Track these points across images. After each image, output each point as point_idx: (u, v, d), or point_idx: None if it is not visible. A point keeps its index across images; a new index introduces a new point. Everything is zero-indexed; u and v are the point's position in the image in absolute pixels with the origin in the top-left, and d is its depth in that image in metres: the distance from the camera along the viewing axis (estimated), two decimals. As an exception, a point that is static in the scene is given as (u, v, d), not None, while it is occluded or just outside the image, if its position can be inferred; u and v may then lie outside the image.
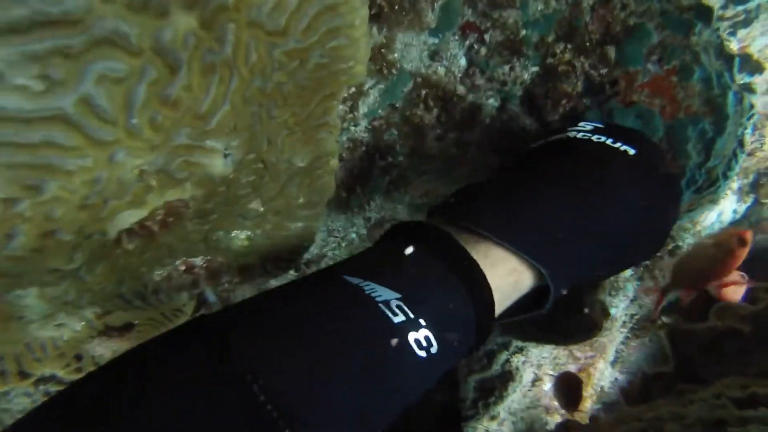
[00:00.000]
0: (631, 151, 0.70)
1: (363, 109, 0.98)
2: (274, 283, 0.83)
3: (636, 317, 1.91)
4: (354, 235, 1.32)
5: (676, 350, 1.48)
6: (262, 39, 0.44)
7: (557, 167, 0.69)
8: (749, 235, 1.32)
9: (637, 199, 0.67)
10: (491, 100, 1.16)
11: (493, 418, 1.82)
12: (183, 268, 0.71)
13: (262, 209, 0.62)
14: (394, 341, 0.47)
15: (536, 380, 1.93)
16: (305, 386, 0.42)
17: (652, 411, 1.32)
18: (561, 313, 1.55)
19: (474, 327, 0.54)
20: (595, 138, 0.74)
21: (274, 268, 0.74)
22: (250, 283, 0.76)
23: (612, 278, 1.70)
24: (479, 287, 0.54)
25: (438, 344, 0.49)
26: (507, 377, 1.77)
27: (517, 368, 1.78)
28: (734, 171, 1.23)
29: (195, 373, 0.40)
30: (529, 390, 1.94)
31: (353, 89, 0.87)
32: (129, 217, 0.49)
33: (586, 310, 1.53)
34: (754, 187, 1.89)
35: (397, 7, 0.71)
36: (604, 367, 1.92)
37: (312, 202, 0.65)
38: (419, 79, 1.05)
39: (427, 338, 0.49)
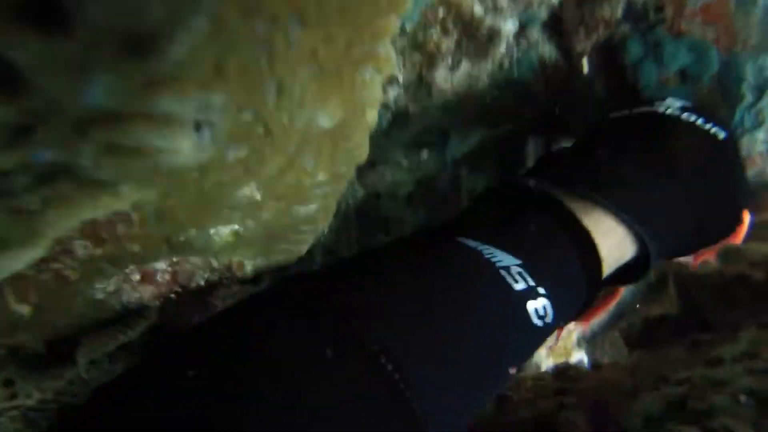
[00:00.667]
0: (722, 134, 0.65)
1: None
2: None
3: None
4: (342, 179, 1.06)
5: (684, 294, 1.27)
6: None
7: (656, 147, 0.62)
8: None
9: (726, 188, 0.66)
10: (509, 24, 0.88)
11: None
12: (138, 276, 0.44)
13: (258, 196, 0.35)
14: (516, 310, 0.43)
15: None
16: (430, 358, 0.38)
17: (670, 365, 1.11)
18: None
19: (583, 298, 0.52)
20: (684, 116, 0.66)
21: (270, 262, 0.48)
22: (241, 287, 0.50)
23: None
24: (592, 260, 0.51)
25: (553, 313, 0.46)
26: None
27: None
28: (777, 109, 0.99)
29: (322, 343, 0.34)
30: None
31: None
32: (10, 264, 0.22)
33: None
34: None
35: None
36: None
37: (336, 175, 0.38)
38: (435, -5, 0.77)
39: (544, 307, 0.45)
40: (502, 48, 0.89)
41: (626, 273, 0.58)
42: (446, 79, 0.85)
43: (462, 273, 0.42)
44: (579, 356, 1.92)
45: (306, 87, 0.27)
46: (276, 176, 0.35)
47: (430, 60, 0.80)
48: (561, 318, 0.47)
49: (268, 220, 0.40)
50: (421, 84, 0.85)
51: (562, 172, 0.59)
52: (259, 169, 0.32)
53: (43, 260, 0.26)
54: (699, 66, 0.84)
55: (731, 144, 0.67)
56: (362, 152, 0.38)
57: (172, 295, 0.49)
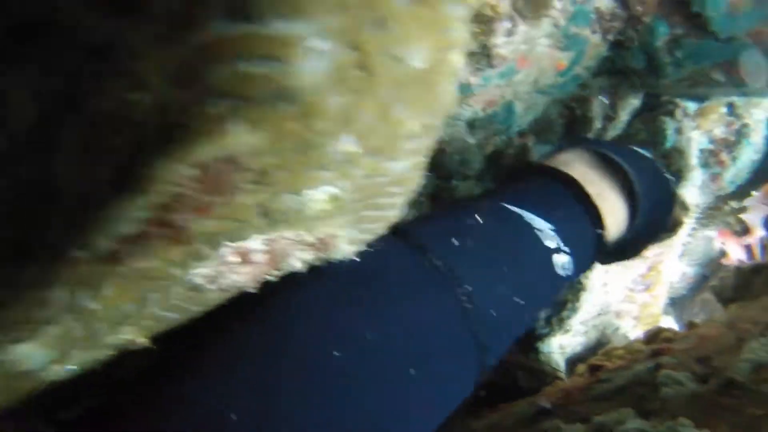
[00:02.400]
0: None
1: None
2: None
3: (701, 206, 1.66)
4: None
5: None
6: None
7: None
8: None
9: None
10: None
11: (566, 331, 1.60)
12: (235, 258, 0.45)
13: (355, 149, 0.36)
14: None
15: (605, 285, 1.70)
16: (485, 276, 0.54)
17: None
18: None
19: (592, 258, 0.73)
20: None
21: (363, 232, 0.48)
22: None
23: (682, 166, 1.44)
24: (601, 228, 0.70)
25: (573, 269, 0.64)
26: (578, 288, 1.54)
27: (586, 277, 1.54)
28: None
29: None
30: (598, 297, 1.71)
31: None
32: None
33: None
34: None
35: None
36: (671, 262, 1.68)
37: (426, 126, 0.39)
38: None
39: (567, 263, 0.62)
40: (558, 5, 0.87)
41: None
42: (505, 44, 0.84)
43: (507, 231, 0.60)
44: (667, 322, 1.86)
45: (403, 22, 0.27)
46: (372, 126, 0.35)
47: (489, 26, 0.80)
48: (578, 272, 0.66)
49: (362, 181, 0.41)
50: (482, 53, 0.84)
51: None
52: (356, 117, 0.32)
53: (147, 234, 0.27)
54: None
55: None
56: (449, 98, 0.38)
57: (268, 277, 0.49)
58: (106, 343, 0.43)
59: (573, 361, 1.70)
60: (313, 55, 0.23)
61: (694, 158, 1.53)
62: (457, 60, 0.35)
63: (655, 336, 1.37)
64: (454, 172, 1.08)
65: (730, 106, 1.46)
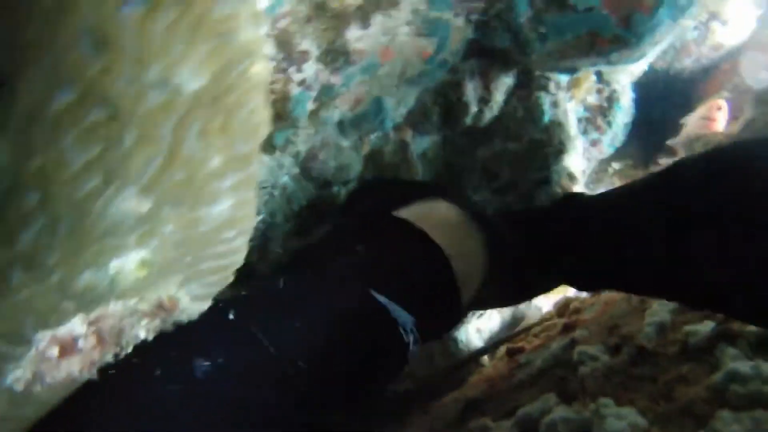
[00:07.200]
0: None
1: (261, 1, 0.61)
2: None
3: (587, 173, 1.69)
4: (286, 178, 0.98)
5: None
6: None
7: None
8: None
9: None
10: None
11: (480, 316, 1.59)
12: (54, 351, 0.36)
13: (145, 206, 0.28)
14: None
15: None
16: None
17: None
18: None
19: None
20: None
21: (207, 286, 0.40)
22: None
23: (564, 138, 1.45)
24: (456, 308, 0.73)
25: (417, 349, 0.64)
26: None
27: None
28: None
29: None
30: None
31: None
32: None
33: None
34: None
35: None
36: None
37: (236, 157, 0.31)
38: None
39: (416, 347, 0.63)
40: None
41: None
42: (362, 38, 0.77)
43: (370, 327, 0.59)
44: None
45: (140, 35, 0.19)
46: (157, 173, 0.27)
47: (339, 21, 0.73)
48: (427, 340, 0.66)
49: (177, 235, 0.33)
50: (336, 51, 0.77)
51: None
52: (126, 168, 0.24)
53: None
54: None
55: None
56: (260, 119, 0.30)
57: (110, 356, 0.41)
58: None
59: (495, 343, 1.68)
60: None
61: (573, 128, 1.54)
62: (260, 70, 0.28)
63: (564, 307, 1.36)
64: (332, 178, 1.00)
65: (599, 74, 1.49)
